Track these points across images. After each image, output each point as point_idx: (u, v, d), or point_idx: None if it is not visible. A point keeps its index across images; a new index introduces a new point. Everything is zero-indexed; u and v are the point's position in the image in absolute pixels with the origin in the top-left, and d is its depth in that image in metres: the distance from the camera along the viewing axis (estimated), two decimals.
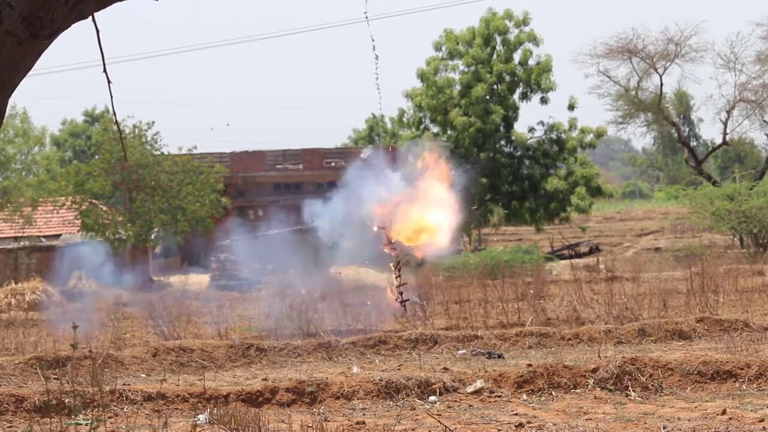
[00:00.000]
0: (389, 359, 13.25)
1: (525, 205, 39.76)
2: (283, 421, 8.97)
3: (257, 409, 9.27)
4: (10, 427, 9.21)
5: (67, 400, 8.77)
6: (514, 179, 39.61)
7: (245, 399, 10.07)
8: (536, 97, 40.09)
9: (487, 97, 39.27)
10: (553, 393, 10.33)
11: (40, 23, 3.66)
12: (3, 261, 34.21)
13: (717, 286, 18.13)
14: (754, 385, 10.31)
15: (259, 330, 16.27)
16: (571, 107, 39.85)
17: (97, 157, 36.96)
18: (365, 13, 5.68)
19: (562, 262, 34.74)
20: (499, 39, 40.02)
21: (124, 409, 9.69)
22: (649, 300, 17.32)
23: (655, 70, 44.68)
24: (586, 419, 8.93)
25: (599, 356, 11.97)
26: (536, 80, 39.39)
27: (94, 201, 33.38)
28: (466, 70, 39.51)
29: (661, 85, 45.24)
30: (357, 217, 12.70)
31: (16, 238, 35.42)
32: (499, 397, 10.27)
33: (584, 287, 18.98)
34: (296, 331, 15.58)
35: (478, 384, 10.51)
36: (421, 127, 40.73)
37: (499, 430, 8.64)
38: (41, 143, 36.27)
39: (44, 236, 36.12)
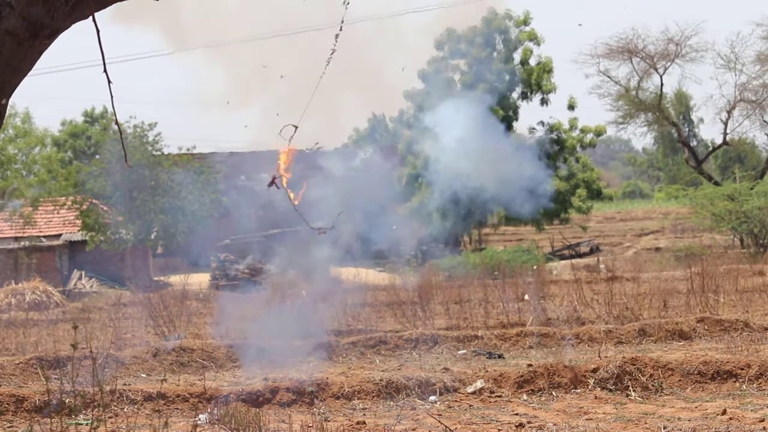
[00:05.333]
0: (389, 359, 13.25)
1: (525, 205, 39.72)
2: (283, 421, 8.97)
3: (257, 409, 9.27)
4: (10, 427, 9.21)
5: (67, 400, 8.77)
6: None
7: (245, 399, 10.07)
8: (536, 98, 40.08)
9: (487, 96, 39.23)
10: (554, 393, 10.33)
11: (40, 23, 3.66)
12: (3, 261, 34.22)
13: (717, 286, 18.11)
14: (754, 385, 10.31)
15: (260, 330, 16.23)
16: (571, 107, 39.85)
17: (97, 157, 36.98)
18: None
19: (563, 262, 34.73)
20: (500, 38, 40.01)
21: (125, 409, 9.69)
22: (650, 300, 17.30)
23: (656, 70, 44.68)
24: (587, 419, 8.93)
25: (599, 356, 11.96)
26: (537, 81, 39.38)
27: (94, 201, 33.39)
28: (467, 70, 39.50)
29: (662, 85, 45.26)
30: None
31: (16, 238, 35.43)
32: (500, 397, 10.27)
33: (584, 287, 18.96)
34: (296, 330, 15.56)
35: (479, 384, 10.51)
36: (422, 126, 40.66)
37: (499, 430, 8.64)
38: (42, 144, 36.26)
39: (44, 236, 36.13)
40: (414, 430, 8.72)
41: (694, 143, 59.92)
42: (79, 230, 34.39)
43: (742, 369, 10.56)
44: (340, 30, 5.79)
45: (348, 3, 5.50)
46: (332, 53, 5.84)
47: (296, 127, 6.10)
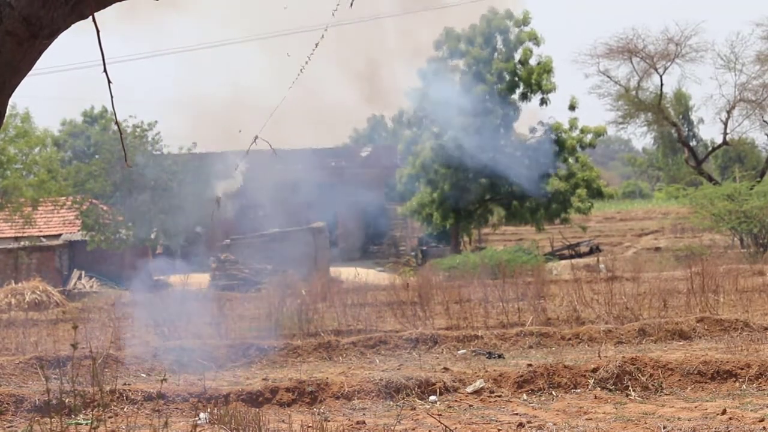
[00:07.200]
0: (389, 359, 13.25)
1: (525, 205, 39.73)
2: (283, 421, 8.97)
3: (257, 409, 9.27)
4: (10, 427, 9.21)
5: (67, 400, 8.77)
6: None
7: (245, 399, 10.07)
8: (536, 98, 40.07)
9: (487, 96, 39.21)
10: (553, 393, 10.33)
11: (40, 23, 3.66)
12: (3, 261, 34.22)
13: (717, 286, 18.11)
14: (754, 385, 10.31)
15: (260, 330, 16.25)
16: (572, 107, 39.83)
17: (97, 156, 37.00)
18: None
19: (563, 261, 34.72)
20: (500, 38, 39.98)
21: (125, 409, 9.69)
22: (649, 300, 17.30)
23: (656, 70, 44.69)
24: (586, 419, 8.93)
25: (599, 356, 11.96)
26: (537, 81, 39.35)
27: (94, 201, 33.40)
28: (466, 70, 39.49)
29: (662, 85, 45.27)
30: None
31: (16, 238, 35.43)
32: (500, 396, 10.27)
33: (584, 287, 18.94)
34: (296, 330, 15.57)
35: (478, 384, 10.51)
36: (422, 126, 40.69)
37: (499, 430, 8.64)
38: (42, 144, 36.25)
39: (44, 236, 36.13)
40: (414, 430, 8.72)
41: (694, 143, 59.96)
42: (79, 230, 34.39)
43: (742, 369, 10.56)
44: (326, 30, 5.81)
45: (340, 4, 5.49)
46: (314, 48, 5.87)
47: (256, 137, 6.17)
